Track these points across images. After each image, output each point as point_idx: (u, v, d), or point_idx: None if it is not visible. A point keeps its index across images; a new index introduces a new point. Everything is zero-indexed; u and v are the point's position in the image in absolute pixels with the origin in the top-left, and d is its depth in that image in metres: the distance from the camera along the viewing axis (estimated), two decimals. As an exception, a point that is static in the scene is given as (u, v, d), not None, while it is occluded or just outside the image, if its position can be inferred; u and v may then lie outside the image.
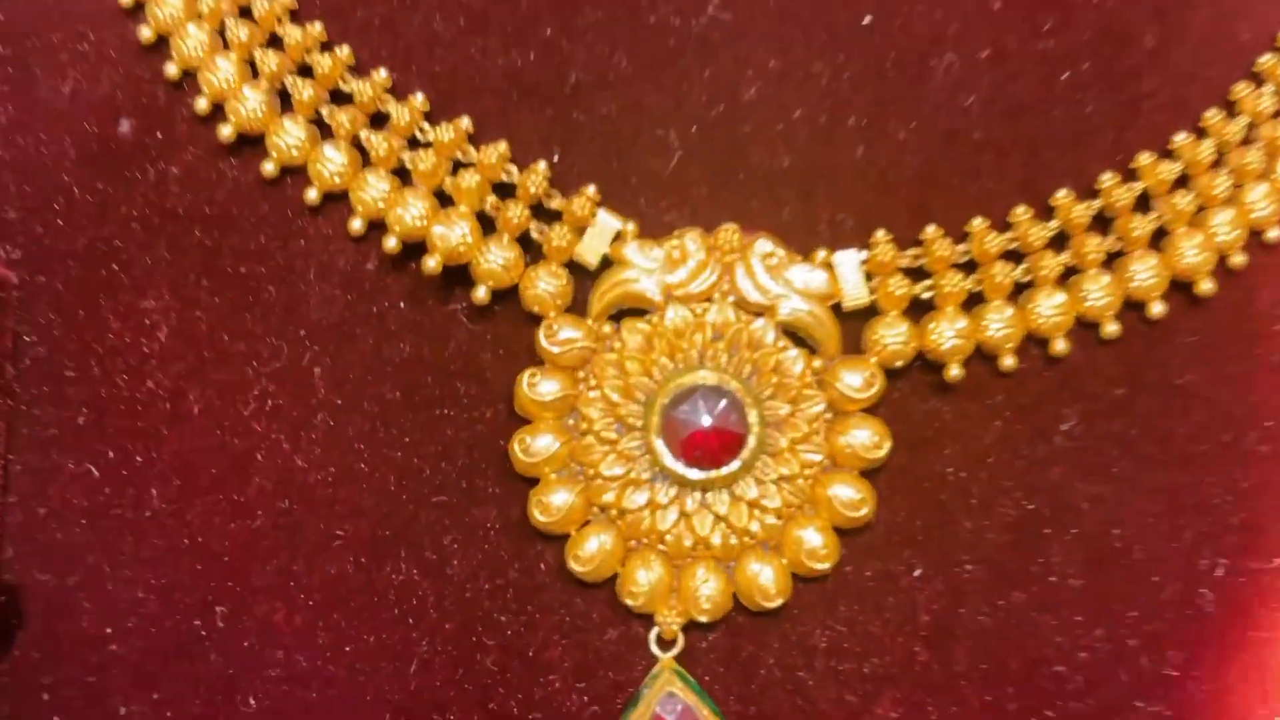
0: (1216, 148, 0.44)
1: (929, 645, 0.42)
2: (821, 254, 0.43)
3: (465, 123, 0.43)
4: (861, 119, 0.42)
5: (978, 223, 0.43)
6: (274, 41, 0.45)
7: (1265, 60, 0.44)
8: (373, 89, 0.43)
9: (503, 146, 0.43)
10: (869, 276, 0.43)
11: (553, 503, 0.42)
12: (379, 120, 0.44)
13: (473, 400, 0.43)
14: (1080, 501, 0.43)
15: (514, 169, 0.44)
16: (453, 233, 0.43)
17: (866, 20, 0.42)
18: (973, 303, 0.43)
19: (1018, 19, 0.42)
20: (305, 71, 0.44)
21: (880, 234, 0.43)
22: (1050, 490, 0.43)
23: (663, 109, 0.42)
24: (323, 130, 0.44)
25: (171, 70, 0.44)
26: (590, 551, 0.42)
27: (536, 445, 0.42)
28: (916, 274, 0.43)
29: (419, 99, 0.44)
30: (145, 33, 0.45)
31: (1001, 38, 0.42)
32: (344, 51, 0.44)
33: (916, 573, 0.43)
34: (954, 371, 0.43)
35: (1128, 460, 0.43)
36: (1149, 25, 0.43)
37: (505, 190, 0.44)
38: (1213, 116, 0.44)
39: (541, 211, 0.43)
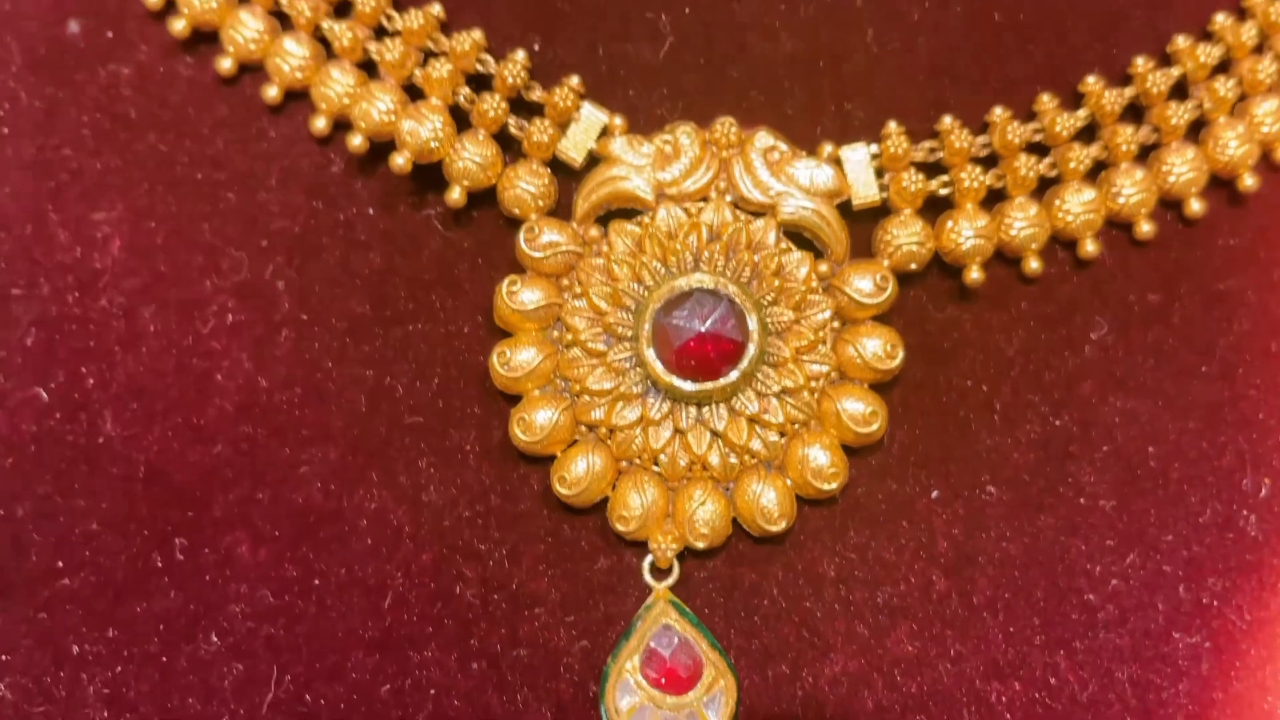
0: (1260, 30, 0.42)
1: (948, 573, 0.41)
2: (828, 148, 0.42)
3: (436, 9, 0.42)
4: (871, -2, 0.41)
5: (999, 112, 0.42)
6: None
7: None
8: (335, -28, 0.42)
9: (477, 34, 0.42)
10: (880, 173, 0.42)
11: (536, 421, 0.40)
12: (343, 10, 0.43)
13: (449, 313, 0.42)
14: (1112, 417, 0.42)
15: (490, 59, 0.42)
16: (423, 128, 0.41)
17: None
18: (994, 200, 0.42)
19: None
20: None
21: (892, 125, 0.42)
22: (1079, 405, 0.42)
23: (652, -10, 0.42)
24: (283, 22, 0.43)
25: (119, -36, 0.43)
26: (578, 474, 0.40)
27: (518, 359, 0.41)
28: (932, 169, 0.42)
29: (385, -18, 0.42)
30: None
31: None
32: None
33: (934, 495, 0.42)
34: (974, 275, 0.41)
35: (1164, 372, 0.42)
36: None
37: (481, 83, 0.42)
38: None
39: (521, 105, 0.42)
